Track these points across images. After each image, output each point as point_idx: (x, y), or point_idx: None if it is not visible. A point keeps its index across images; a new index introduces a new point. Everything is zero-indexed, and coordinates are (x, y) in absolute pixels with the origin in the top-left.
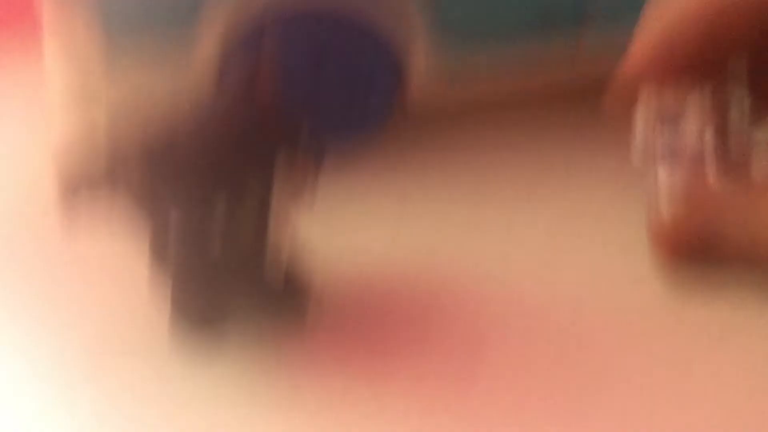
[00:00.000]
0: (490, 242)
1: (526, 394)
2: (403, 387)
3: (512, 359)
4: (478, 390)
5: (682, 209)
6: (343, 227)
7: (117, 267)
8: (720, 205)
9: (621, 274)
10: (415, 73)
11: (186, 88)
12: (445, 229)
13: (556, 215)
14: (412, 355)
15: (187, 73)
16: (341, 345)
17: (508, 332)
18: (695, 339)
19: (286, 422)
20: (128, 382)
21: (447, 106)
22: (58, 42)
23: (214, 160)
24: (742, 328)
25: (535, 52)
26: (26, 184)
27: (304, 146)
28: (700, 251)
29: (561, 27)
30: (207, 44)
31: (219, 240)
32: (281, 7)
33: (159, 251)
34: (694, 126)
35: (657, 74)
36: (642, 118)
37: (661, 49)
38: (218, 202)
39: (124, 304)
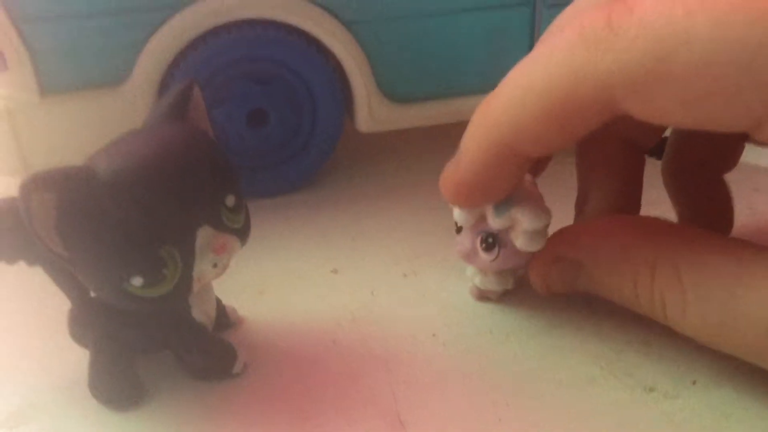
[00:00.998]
0: (424, 303)
1: None
2: None
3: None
4: None
5: None
6: (271, 286)
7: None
8: None
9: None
10: (362, 97)
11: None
12: (379, 288)
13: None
14: (338, 414)
15: (122, 107)
16: (267, 398)
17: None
18: None
19: None
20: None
21: (395, 127)
22: None
23: (135, 226)
24: None
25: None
26: None
27: (238, 197)
28: None
29: None
30: (142, 80)
31: (140, 307)
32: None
33: (78, 323)
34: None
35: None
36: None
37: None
38: (137, 280)
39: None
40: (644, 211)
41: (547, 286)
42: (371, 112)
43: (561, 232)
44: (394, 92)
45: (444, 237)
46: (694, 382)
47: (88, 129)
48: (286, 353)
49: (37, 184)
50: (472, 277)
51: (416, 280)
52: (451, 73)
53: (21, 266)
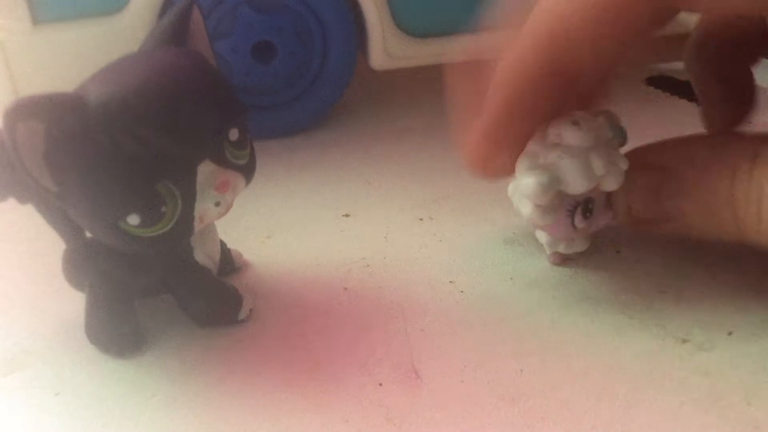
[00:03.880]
0: (439, 248)
1: (468, 407)
2: (340, 397)
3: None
4: (415, 402)
5: None
6: (282, 231)
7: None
8: None
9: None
10: (377, 32)
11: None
12: (392, 233)
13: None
14: (350, 362)
15: (118, 36)
16: (275, 346)
17: (451, 336)
18: None
19: (213, 424)
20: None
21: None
22: None
23: (130, 159)
24: None
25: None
26: None
27: (242, 132)
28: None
29: None
30: (140, 7)
31: (138, 247)
32: None
33: (72, 265)
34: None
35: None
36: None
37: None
38: (133, 218)
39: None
40: None
41: (628, 210)
42: (386, 47)
43: (646, 146)
44: (410, 25)
45: (462, 180)
46: (730, 333)
47: (84, 60)
48: (295, 300)
49: (23, 111)
50: (552, 245)
51: (432, 224)
52: (471, 4)
53: (11, 204)
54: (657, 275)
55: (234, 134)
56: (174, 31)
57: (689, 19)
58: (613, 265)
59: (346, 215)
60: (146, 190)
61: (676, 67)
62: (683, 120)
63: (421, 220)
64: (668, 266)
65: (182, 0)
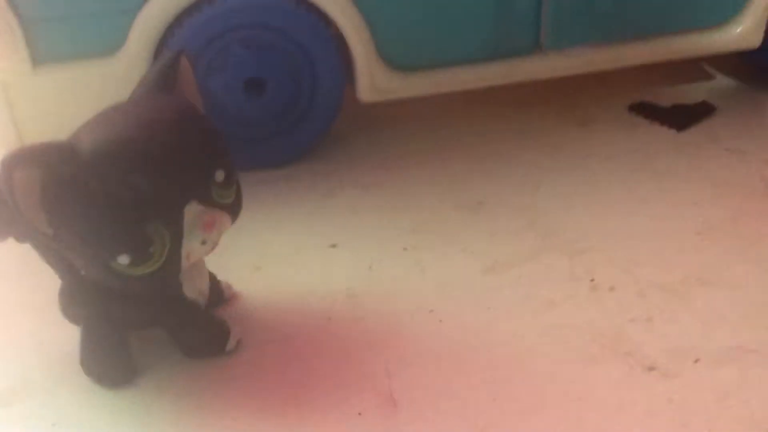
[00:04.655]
0: (422, 277)
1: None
2: (321, 426)
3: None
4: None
5: None
6: (270, 261)
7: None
8: None
9: (561, 298)
10: (363, 69)
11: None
12: (377, 263)
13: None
14: (331, 392)
15: (115, 77)
16: (260, 376)
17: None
18: None
19: None
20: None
21: (396, 99)
22: None
23: (121, 202)
24: None
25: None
26: None
27: (228, 173)
28: None
29: (516, 52)
30: (136, 48)
31: (129, 284)
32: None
33: (68, 301)
34: None
35: None
36: None
37: None
38: (123, 258)
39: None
40: (654, 182)
41: None
42: (373, 80)
43: None
44: (396, 60)
45: (444, 210)
46: (696, 361)
47: (82, 99)
48: (281, 330)
49: (20, 160)
50: None
51: (415, 253)
52: (453, 39)
53: (11, 243)
54: (628, 303)
55: (220, 175)
56: (163, 80)
57: (675, 47)
58: (586, 293)
59: (333, 245)
60: (136, 231)
61: (659, 93)
62: (662, 147)
63: (404, 249)
64: (641, 294)
65: (171, 49)
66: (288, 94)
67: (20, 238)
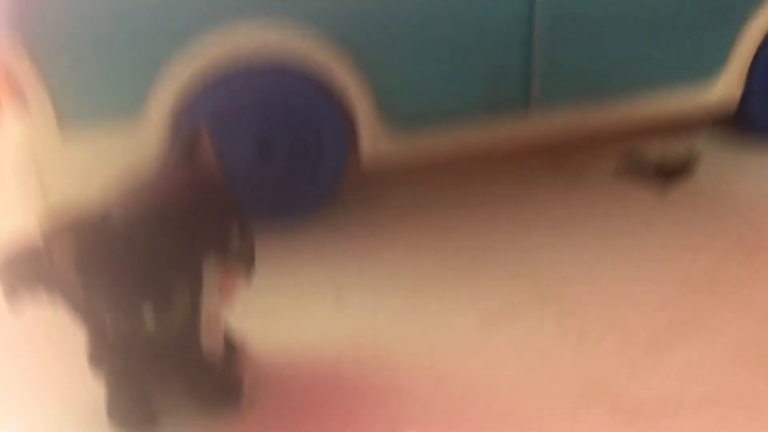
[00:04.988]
0: (423, 328)
1: None
2: None
3: None
4: None
5: None
6: (279, 310)
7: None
8: None
9: (550, 358)
10: (366, 131)
11: (137, 154)
12: (381, 313)
13: (489, 301)
14: None
15: (137, 139)
16: (269, 428)
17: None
18: None
19: None
20: None
21: (398, 163)
22: (12, 113)
23: (146, 260)
24: None
25: (483, 125)
26: None
27: (243, 230)
28: None
29: (508, 109)
30: (156, 113)
31: (152, 336)
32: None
33: (95, 353)
34: None
35: None
36: None
37: None
38: (147, 306)
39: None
40: (639, 237)
41: None
42: (375, 143)
43: None
44: (397, 120)
45: (445, 265)
46: (678, 408)
47: (105, 161)
48: (291, 384)
49: (58, 229)
50: None
51: (417, 306)
52: (449, 102)
53: (50, 312)
54: (614, 353)
55: (236, 239)
56: (184, 152)
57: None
58: (575, 343)
59: (339, 297)
60: (160, 291)
61: (644, 151)
62: (647, 202)
63: (406, 300)
64: (626, 344)
65: (192, 125)
66: (297, 158)
67: (54, 294)
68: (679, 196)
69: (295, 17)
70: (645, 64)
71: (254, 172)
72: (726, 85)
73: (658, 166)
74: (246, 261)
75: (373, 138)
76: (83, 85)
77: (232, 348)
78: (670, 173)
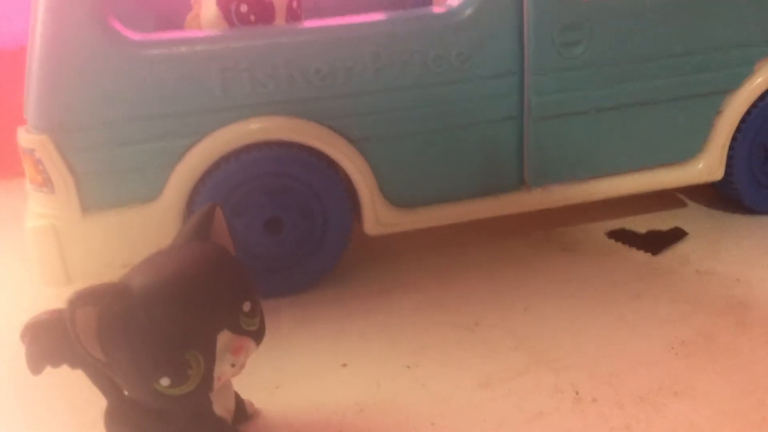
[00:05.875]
0: (423, 392)
1: None
2: None
3: None
4: None
5: None
6: (285, 382)
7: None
8: None
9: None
10: (367, 206)
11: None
12: (384, 378)
13: (484, 373)
14: None
15: (155, 219)
16: None
17: None
18: None
19: None
20: None
21: (397, 232)
22: (36, 188)
23: (164, 334)
24: None
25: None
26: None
27: (254, 304)
28: None
29: (502, 189)
30: (173, 195)
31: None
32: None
33: (112, 419)
34: None
35: None
36: None
37: None
38: (165, 381)
39: None
40: (631, 302)
41: None
42: (376, 216)
43: None
44: (397, 199)
45: (443, 331)
46: None
47: (124, 241)
48: None
49: (81, 299)
50: None
51: (417, 371)
52: (446, 180)
53: (64, 369)
54: (609, 414)
55: (247, 306)
56: (200, 228)
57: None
58: (570, 405)
59: (344, 365)
60: (176, 358)
61: (635, 221)
62: (638, 269)
63: (407, 367)
64: (619, 405)
65: (207, 201)
66: (302, 230)
67: (74, 364)
68: (670, 265)
69: (305, 114)
70: (628, 144)
71: (263, 247)
72: (708, 164)
73: (647, 236)
74: (257, 333)
75: (374, 212)
76: (106, 175)
77: (242, 412)
78: (661, 243)
